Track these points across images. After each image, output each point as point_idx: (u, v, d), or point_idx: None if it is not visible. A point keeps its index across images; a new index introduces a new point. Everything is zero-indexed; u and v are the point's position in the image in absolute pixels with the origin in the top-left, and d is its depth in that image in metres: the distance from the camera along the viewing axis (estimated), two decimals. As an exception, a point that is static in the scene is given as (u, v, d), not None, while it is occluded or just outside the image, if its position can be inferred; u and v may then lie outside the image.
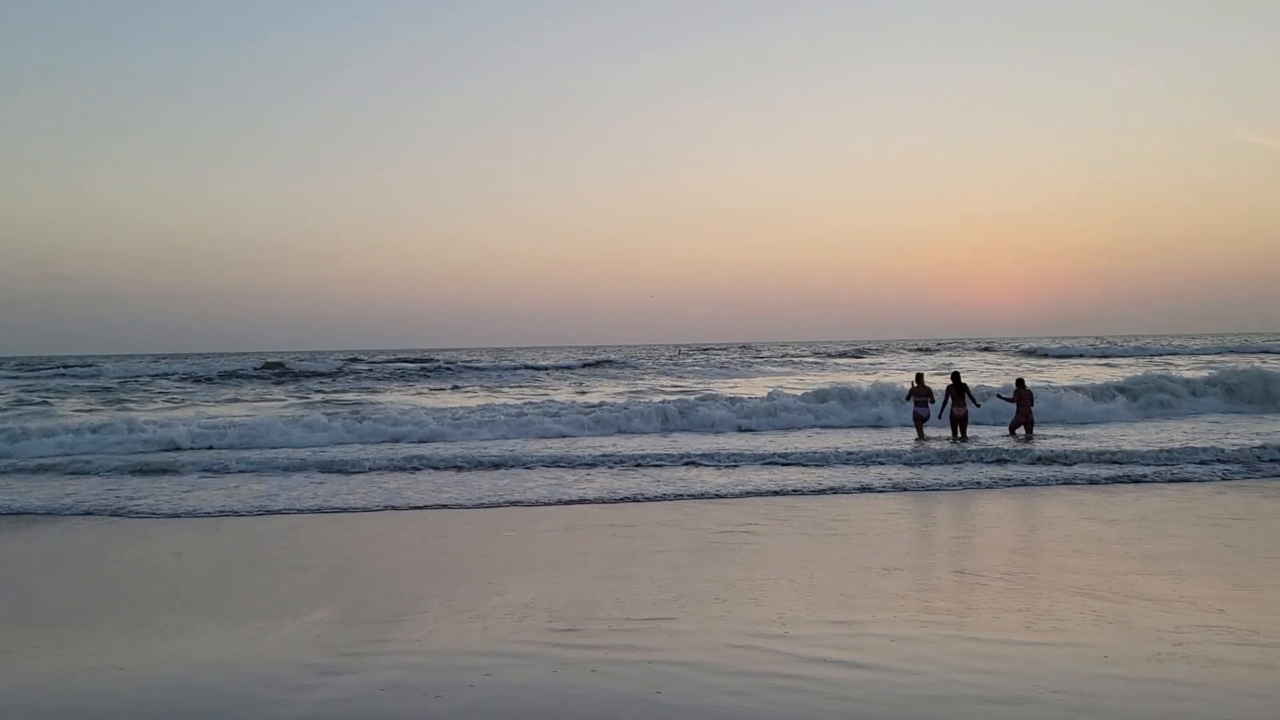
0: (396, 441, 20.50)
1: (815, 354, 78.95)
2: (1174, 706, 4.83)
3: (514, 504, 12.61)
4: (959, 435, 19.46)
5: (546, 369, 56.61)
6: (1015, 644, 5.93)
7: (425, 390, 41.24)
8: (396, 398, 36.72)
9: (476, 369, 55.59)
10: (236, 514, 12.33)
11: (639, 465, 16.01)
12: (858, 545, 9.38)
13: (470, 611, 7.10)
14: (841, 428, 22.05)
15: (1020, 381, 20.79)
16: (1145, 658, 5.61)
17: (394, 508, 12.53)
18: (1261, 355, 56.66)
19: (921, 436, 19.68)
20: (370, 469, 16.21)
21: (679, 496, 12.87)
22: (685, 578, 8.03)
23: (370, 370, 56.17)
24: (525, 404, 27.66)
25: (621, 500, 12.69)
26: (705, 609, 6.97)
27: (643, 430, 21.93)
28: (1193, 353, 64.50)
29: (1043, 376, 38.93)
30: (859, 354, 77.38)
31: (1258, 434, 18.33)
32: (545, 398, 32.27)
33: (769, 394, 25.58)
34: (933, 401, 20.15)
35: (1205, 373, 28.29)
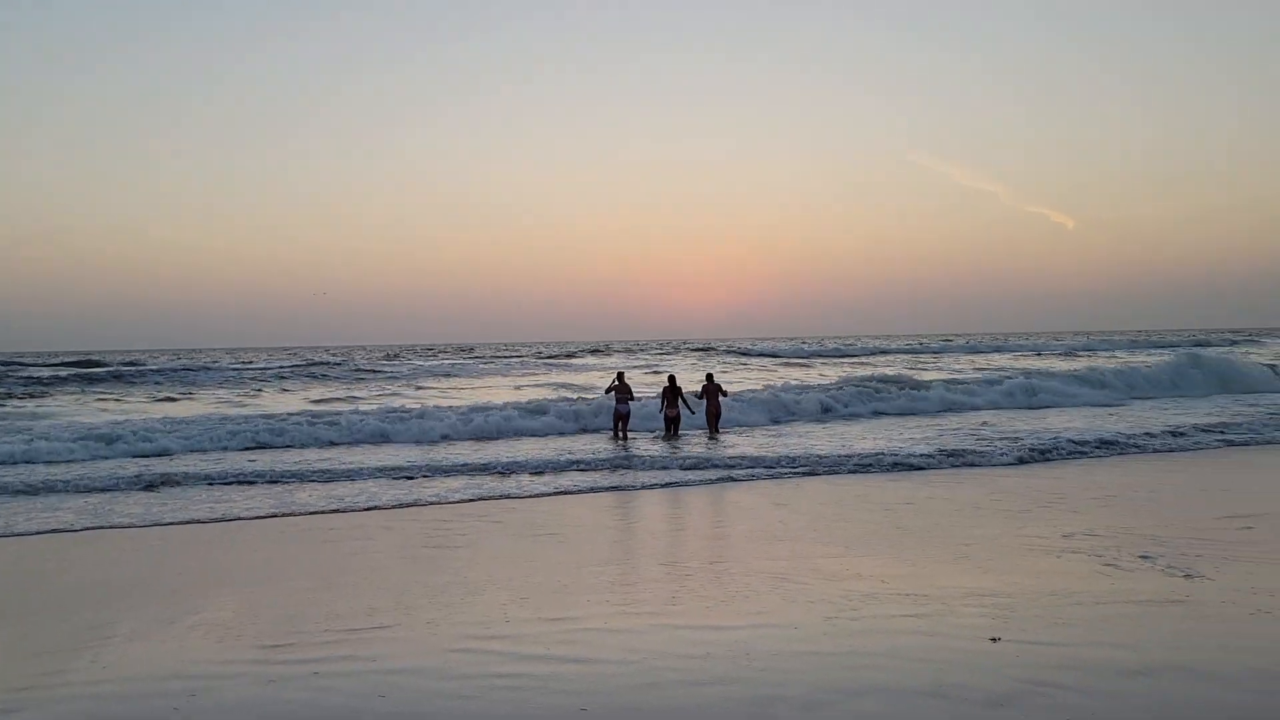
0: (71, 461, 17.98)
1: (536, 355, 79.67)
2: (855, 675, 5.36)
3: (211, 520, 11.79)
4: (671, 434, 20.46)
5: (250, 371, 53.20)
6: (719, 628, 6.34)
7: (110, 397, 37.29)
8: (69, 405, 33.09)
9: (167, 372, 51.20)
10: None
11: (348, 475, 15.36)
12: (570, 544, 9.62)
13: (164, 633, 6.60)
14: (550, 434, 21.77)
15: (709, 376, 22.28)
16: (829, 632, 6.19)
17: (65, 530, 11.22)
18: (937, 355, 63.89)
19: (621, 434, 20.33)
20: (34, 489, 14.24)
21: (390, 506, 12.58)
22: (401, 584, 7.90)
23: (38, 377, 50.15)
24: (225, 411, 25.87)
25: (331, 510, 12.21)
26: (423, 614, 6.90)
27: (345, 440, 20.65)
28: (888, 352, 71.60)
29: (741, 375, 41.65)
30: (570, 355, 78.81)
31: (933, 428, 20.74)
32: (249, 403, 30.38)
33: (482, 401, 25.31)
34: (632, 398, 20.88)
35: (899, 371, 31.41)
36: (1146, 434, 18.42)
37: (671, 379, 21.46)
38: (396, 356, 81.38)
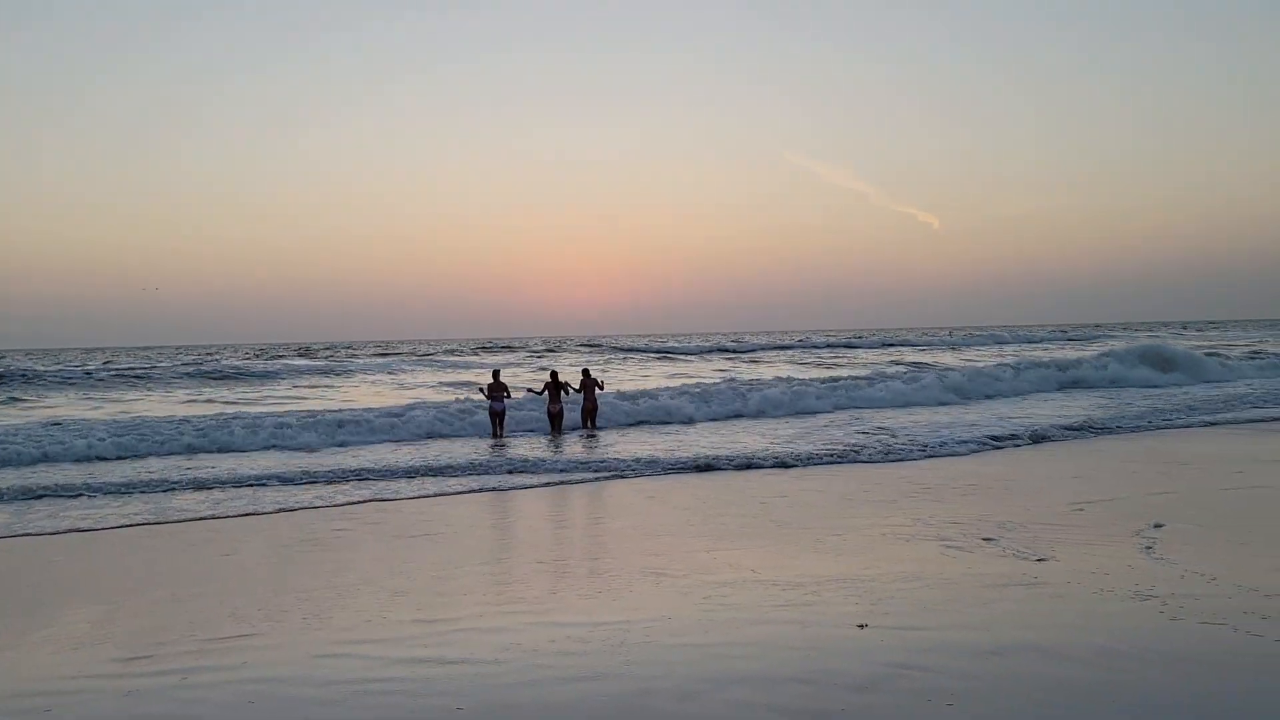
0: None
1: (416, 353, 78.12)
2: (727, 664, 5.49)
3: (72, 530, 11.23)
4: (554, 431, 20.50)
5: (113, 369, 50.61)
6: (597, 625, 6.39)
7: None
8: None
9: (11, 373, 48.15)
10: None
11: (220, 482, 14.59)
12: (447, 545, 9.53)
13: (16, 648, 6.28)
14: (429, 434, 20.97)
15: (586, 371, 22.44)
16: (701, 622, 6.32)
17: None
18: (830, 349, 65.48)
19: (498, 433, 20.26)
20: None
21: (268, 510, 12.20)
22: (268, 591, 7.69)
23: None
24: (87, 415, 24.58)
25: (204, 517, 11.77)
26: (293, 619, 6.74)
27: (219, 445, 19.38)
28: (773, 348, 72.94)
29: (621, 371, 41.92)
30: (452, 353, 77.52)
31: (813, 424, 21.25)
32: (113, 406, 28.89)
33: (360, 402, 24.61)
34: (508, 396, 20.77)
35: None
36: (1017, 426, 19.16)
37: (554, 374, 21.48)
38: (277, 358, 78.53)
